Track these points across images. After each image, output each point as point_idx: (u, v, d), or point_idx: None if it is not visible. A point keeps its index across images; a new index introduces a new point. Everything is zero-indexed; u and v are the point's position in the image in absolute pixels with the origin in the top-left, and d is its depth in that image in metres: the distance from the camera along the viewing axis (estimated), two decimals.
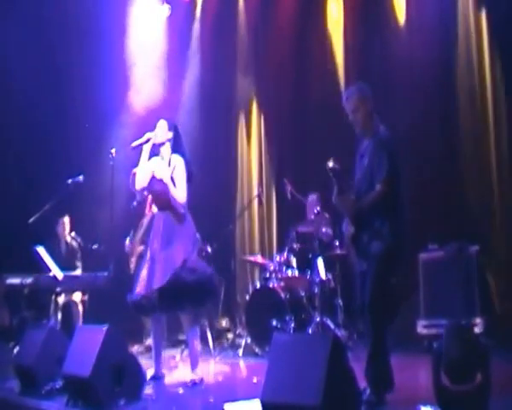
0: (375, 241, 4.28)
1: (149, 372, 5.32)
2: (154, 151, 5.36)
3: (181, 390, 4.99)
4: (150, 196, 6.79)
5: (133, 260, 7.10)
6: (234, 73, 9.22)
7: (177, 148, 5.33)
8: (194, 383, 5.12)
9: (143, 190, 5.32)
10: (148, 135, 5.29)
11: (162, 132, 5.31)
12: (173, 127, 5.38)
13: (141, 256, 6.91)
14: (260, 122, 9.06)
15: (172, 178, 5.16)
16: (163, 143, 5.31)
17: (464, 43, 7.18)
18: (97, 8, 8.50)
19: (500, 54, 6.89)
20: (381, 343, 4.24)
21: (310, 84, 8.41)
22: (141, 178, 5.25)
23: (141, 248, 6.98)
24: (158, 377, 5.33)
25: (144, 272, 5.17)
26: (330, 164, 4.30)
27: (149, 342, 6.92)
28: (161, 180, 5.15)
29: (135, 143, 5.26)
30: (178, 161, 5.24)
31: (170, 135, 5.32)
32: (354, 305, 5.15)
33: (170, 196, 5.14)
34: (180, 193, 5.16)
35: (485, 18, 7.05)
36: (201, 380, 5.18)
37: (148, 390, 4.79)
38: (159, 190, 5.21)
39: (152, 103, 8.90)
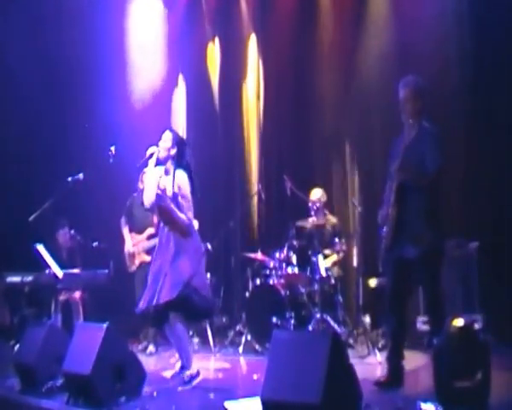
0: (430, 231, 4.40)
1: (178, 364, 5.29)
2: (160, 163, 5.34)
3: (180, 388, 4.97)
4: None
5: (136, 262, 7.08)
6: (234, 70, 9.22)
7: (180, 162, 5.29)
8: (191, 377, 5.07)
9: (152, 205, 5.29)
10: (151, 150, 5.28)
11: (165, 147, 5.27)
12: (178, 142, 5.34)
13: (145, 263, 6.88)
14: (260, 118, 9.05)
15: (176, 195, 5.17)
16: (167, 159, 5.28)
17: None
18: (96, 5, 8.49)
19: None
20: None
21: (311, 80, 8.40)
22: (148, 195, 5.25)
23: (148, 258, 6.84)
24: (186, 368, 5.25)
25: (153, 284, 5.15)
26: None
27: (150, 348, 6.98)
28: (164, 196, 5.15)
29: (141, 162, 5.27)
30: (182, 178, 5.21)
31: (173, 151, 5.27)
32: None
33: (173, 212, 5.14)
34: (186, 214, 5.17)
35: None
36: (198, 373, 5.13)
37: (148, 388, 4.79)
38: (163, 206, 5.21)
39: (151, 102, 8.93)
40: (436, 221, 4.48)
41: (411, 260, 4.46)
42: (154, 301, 5.03)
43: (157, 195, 5.19)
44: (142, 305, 5.16)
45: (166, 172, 5.28)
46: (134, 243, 7.12)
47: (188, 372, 5.10)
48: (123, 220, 7.26)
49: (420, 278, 4.61)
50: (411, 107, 4.59)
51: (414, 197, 4.48)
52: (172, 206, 5.14)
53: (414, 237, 4.44)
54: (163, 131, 5.36)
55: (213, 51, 9.39)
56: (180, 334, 5.19)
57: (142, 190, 6.20)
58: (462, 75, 7.05)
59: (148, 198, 5.24)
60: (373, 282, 6.89)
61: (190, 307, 5.10)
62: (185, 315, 5.18)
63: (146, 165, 5.26)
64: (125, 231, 7.23)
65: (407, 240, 4.48)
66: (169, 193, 5.15)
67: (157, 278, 5.13)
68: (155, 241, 6.53)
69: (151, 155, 5.25)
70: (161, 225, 5.37)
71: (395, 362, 4.58)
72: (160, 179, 5.23)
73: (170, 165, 5.28)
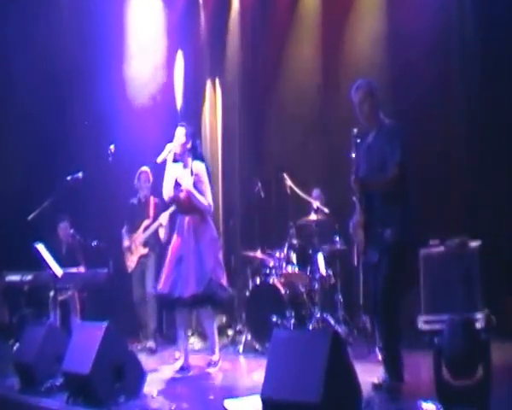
0: (388, 229, 4.34)
1: (178, 363, 5.62)
2: (177, 159, 5.67)
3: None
4: (152, 200, 6.97)
5: (133, 259, 7.11)
6: (233, 69, 9.21)
7: (197, 154, 5.64)
8: (215, 363, 5.57)
9: (170, 199, 5.68)
10: (168, 146, 5.55)
11: (181, 143, 5.56)
12: (191, 135, 5.63)
13: (143, 257, 6.97)
14: (260, 117, 9.03)
15: (196, 185, 5.49)
16: (183, 153, 5.57)
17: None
18: (95, 3, 8.47)
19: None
20: (397, 337, 4.42)
21: (309, 80, 8.39)
22: (167, 189, 5.60)
23: (145, 250, 7.01)
24: (186, 369, 5.56)
25: (171, 271, 5.47)
26: (355, 131, 4.50)
27: (150, 344, 6.97)
28: (185, 189, 5.49)
29: (160, 158, 5.55)
30: (201, 168, 5.57)
31: (189, 145, 5.58)
32: (356, 300, 5.17)
33: (195, 202, 5.47)
34: (206, 198, 5.53)
35: None
36: (219, 359, 5.63)
37: (148, 387, 4.78)
38: (182, 198, 5.53)
39: (151, 100, 8.91)
40: (399, 223, 4.35)
41: (376, 264, 4.43)
42: (177, 293, 5.36)
43: (176, 187, 5.53)
44: (162, 288, 5.48)
45: (185, 166, 5.59)
46: (132, 240, 7.14)
47: (214, 357, 5.62)
48: (125, 230, 7.30)
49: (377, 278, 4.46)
50: (367, 107, 4.55)
51: (377, 201, 4.44)
52: (193, 190, 5.45)
53: (375, 241, 4.41)
54: (176, 128, 5.62)
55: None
56: (211, 329, 5.64)
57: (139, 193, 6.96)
58: (463, 74, 7.04)
59: (167, 192, 5.61)
60: None
61: (217, 302, 5.57)
62: (212, 308, 5.62)
63: (165, 161, 5.56)
64: (124, 230, 7.26)
65: (371, 244, 4.46)
66: (187, 184, 5.46)
67: (178, 265, 5.44)
68: (151, 231, 7.03)
69: (169, 151, 5.54)
70: (180, 216, 5.66)
71: (388, 362, 4.49)
72: (178, 174, 5.55)
73: (187, 158, 5.60)
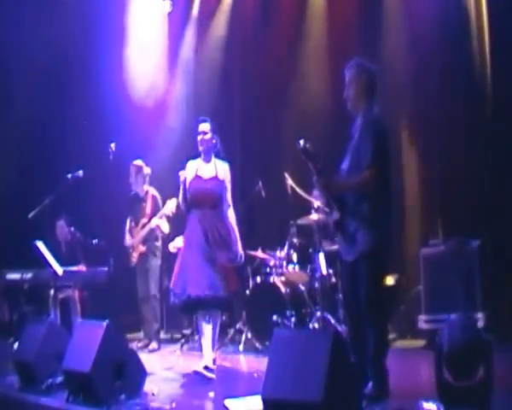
0: (363, 229, 4.09)
1: (202, 362, 5.30)
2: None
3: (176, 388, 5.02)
4: (151, 195, 6.90)
5: (135, 255, 7.10)
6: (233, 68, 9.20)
7: (219, 152, 5.56)
8: (206, 368, 5.22)
9: (193, 192, 5.46)
10: (183, 175, 5.48)
11: (208, 139, 5.46)
12: (215, 129, 5.53)
13: (144, 254, 6.93)
14: (261, 114, 9.02)
15: (220, 180, 5.43)
16: (210, 149, 5.49)
17: None
18: (96, 3, 8.46)
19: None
20: (385, 342, 4.23)
21: (311, 77, 8.39)
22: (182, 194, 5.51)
23: (143, 248, 6.99)
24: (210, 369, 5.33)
25: (194, 272, 5.28)
26: (301, 143, 4.09)
27: (153, 345, 6.97)
28: (220, 180, 5.42)
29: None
30: (227, 169, 5.52)
31: (214, 140, 5.51)
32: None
33: (223, 195, 5.42)
34: (228, 198, 5.48)
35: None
36: (214, 365, 5.31)
37: (148, 386, 4.77)
38: (211, 189, 5.39)
39: (152, 99, 8.91)
40: (374, 222, 4.10)
41: (351, 262, 4.24)
42: (194, 293, 5.20)
43: (196, 179, 5.41)
44: (180, 293, 5.31)
45: (207, 161, 5.48)
46: (133, 236, 7.13)
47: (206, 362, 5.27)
48: (128, 227, 7.28)
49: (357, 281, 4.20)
50: (352, 92, 4.20)
51: (353, 200, 4.18)
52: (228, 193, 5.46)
53: (350, 239, 4.18)
54: (199, 123, 5.49)
55: None
56: (215, 330, 5.39)
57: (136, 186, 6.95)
58: (465, 73, 7.03)
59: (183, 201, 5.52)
60: (390, 280, 6.78)
61: (230, 306, 5.62)
62: (221, 311, 5.52)
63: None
64: (127, 228, 7.24)
65: (345, 242, 4.25)
66: (224, 183, 5.45)
67: (201, 267, 5.25)
68: (148, 229, 6.93)
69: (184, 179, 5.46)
70: (191, 215, 5.45)
71: (372, 368, 4.20)
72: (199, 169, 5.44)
73: (211, 154, 5.50)
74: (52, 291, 6.68)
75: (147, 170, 7.22)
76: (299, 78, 8.56)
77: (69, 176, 6.73)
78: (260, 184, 7.61)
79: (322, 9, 8.51)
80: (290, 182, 7.10)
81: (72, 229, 7.71)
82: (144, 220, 7.09)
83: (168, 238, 7.11)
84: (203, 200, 5.40)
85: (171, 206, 6.59)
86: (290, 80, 8.66)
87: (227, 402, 4.23)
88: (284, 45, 8.76)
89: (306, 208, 7.19)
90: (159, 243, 7.16)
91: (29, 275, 6.89)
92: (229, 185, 5.50)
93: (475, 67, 6.97)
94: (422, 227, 7.35)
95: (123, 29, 8.98)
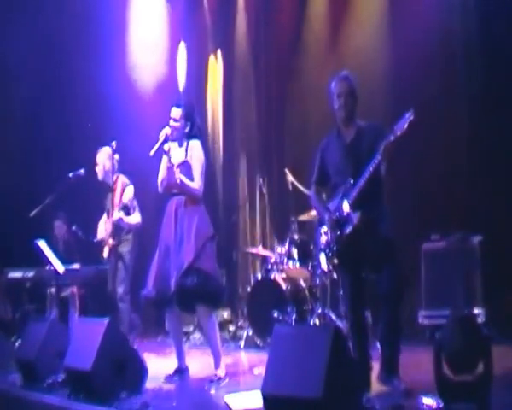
0: (382, 222, 4.35)
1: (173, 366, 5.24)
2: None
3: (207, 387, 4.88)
4: (120, 183, 6.31)
5: (105, 249, 6.51)
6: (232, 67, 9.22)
7: (193, 133, 5.20)
8: (219, 379, 4.97)
9: (165, 186, 5.18)
10: (164, 132, 5.12)
11: (178, 127, 5.15)
12: (188, 114, 5.20)
13: (115, 249, 6.20)
14: (261, 113, 9.03)
15: (188, 164, 5.08)
16: (181, 136, 5.17)
17: None
18: (97, 2, 8.47)
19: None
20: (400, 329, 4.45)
21: (311, 74, 8.39)
22: (161, 176, 5.19)
23: (113, 242, 6.17)
24: (182, 370, 5.23)
25: (158, 267, 5.05)
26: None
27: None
28: (172, 168, 5.01)
29: (153, 151, 5.04)
30: (196, 145, 5.15)
31: (187, 128, 5.17)
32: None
33: (183, 185, 5.01)
34: (196, 180, 5.07)
35: None
36: (226, 375, 5.05)
37: (150, 383, 4.79)
38: (173, 181, 5.05)
39: (154, 96, 8.91)
40: (387, 213, 4.46)
41: (357, 257, 4.52)
42: (162, 290, 4.94)
43: (167, 169, 5.07)
44: (150, 290, 5.04)
45: (180, 145, 5.18)
46: (106, 229, 6.41)
47: (218, 372, 5.04)
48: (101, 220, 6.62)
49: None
50: (352, 101, 4.39)
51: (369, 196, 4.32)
52: (182, 177, 5.00)
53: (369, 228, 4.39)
54: (170, 108, 5.21)
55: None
56: (211, 333, 5.13)
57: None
58: (464, 73, 7.03)
59: (161, 179, 5.17)
60: None
61: (204, 296, 4.94)
62: (208, 305, 5.03)
63: (161, 151, 5.09)
64: (100, 222, 6.62)
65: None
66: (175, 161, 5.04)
67: (165, 258, 5.01)
68: (110, 224, 6.10)
69: (165, 138, 5.09)
70: (168, 202, 5.17)
71: (390, 358, 4.42)
72: (170, 153, 5.08)
73: (182, 138, 5.19)
74: (53, 289, 6.69)
75: (116, 156, 6.35)
76: (300, 73, 8.55)
77: (70, 174, 6.72)
78: (261, 180, 7.62)
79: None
80: (291, 178, 7.11)
81: (74, 227, 7.70)
82: (115, 211, 6.17)
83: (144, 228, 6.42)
84: (172, 188, 5.15)
85: (128, 194, 6.00)
86: (292, 75, 8.66)
87: (227, 398, 4.24)
88: (285, 42, 8.76)
89: (307, 205, 7.20)
90: (129, 236, 6.29)
91: (31, 273, 6.91)
92: (196, 163, 5.12)
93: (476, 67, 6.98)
94: (423, 224, 7.34)
95: (125, 27, 8.99)
